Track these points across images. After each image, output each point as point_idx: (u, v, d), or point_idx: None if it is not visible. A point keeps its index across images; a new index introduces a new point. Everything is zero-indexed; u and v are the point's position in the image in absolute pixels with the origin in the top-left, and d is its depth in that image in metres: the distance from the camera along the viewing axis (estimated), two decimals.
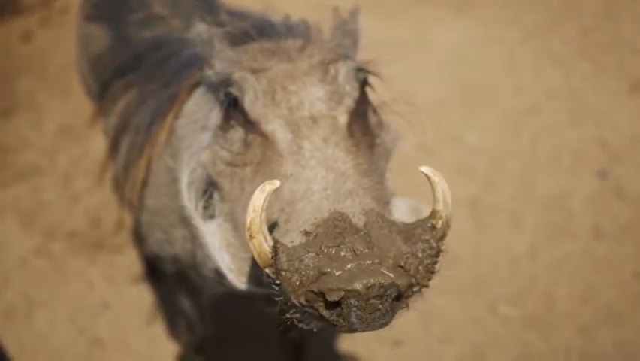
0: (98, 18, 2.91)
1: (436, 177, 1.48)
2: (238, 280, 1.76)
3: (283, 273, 1.38)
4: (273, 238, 1.44)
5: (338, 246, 1.36)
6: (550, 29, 4.67)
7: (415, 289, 1.40)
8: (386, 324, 1.39)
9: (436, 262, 1.42)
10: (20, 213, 3.66)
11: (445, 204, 1.47)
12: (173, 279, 2.48)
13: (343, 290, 1.32)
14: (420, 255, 1.39)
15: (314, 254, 1.36)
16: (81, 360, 3.16)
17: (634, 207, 3.67)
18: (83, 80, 3.03)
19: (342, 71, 1.73)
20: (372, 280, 1.32)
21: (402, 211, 1.84)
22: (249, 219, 1.44)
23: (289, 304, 1.42)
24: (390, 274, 1.34)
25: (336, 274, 1.34)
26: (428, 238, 1.42)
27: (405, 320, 3.26)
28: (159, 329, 3.23)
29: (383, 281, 1.33)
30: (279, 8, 2.67)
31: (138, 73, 2.47)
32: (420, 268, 1.39)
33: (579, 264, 3.46)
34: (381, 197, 1.59)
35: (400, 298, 1.38)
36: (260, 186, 1.46)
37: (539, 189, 3.76)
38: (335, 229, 1.40)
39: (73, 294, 3.37)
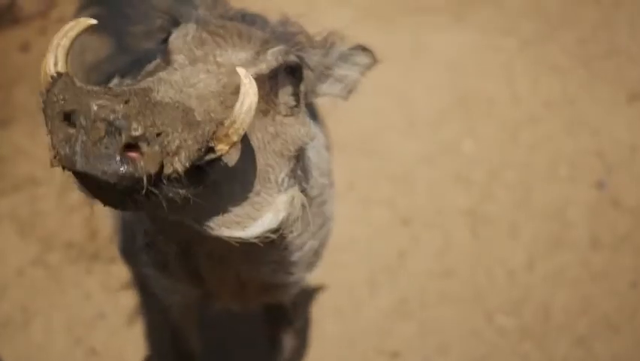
0: (96, 29, 2.91)
1: (246, 80, 1.41)
2: None
3: (50, 95, 1.33)
4: (69, 72, 1.39)
5: (117, 95, 1.30)
6: (548, 38, 4.67)
7: (155, 156, 1.29)
8: (108, 174, 1.26)
9: (196, 151, 1.32)
10: (17, 223, 3.65)
11: (242, 105, 1.38)
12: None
13: (77, 103, 1.28)
14: (183, 135, 1.31)
15: (90, 88, 1.31)
16: None
17: (632, 217, 3.66)
18: None
19: (276, 48, 1.70)
20: (106, 103, 1.26)
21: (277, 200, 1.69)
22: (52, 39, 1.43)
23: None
24: (130, 115, 1.27)
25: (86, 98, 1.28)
26: (205, 127, 1.34)
27: (402, 331, 3.28)
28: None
29: (117, 107, 1.26)
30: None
31: (133, 77, 2.47)
32: (172, 144, 1.29)
33: (576, 275, 3.46)
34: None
35: (132, 149, 1.27)
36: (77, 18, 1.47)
37: (537, 199, 3.76)
38: (129, 90, 1.33)
39: (70, 304, 3.36)
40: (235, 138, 1.36)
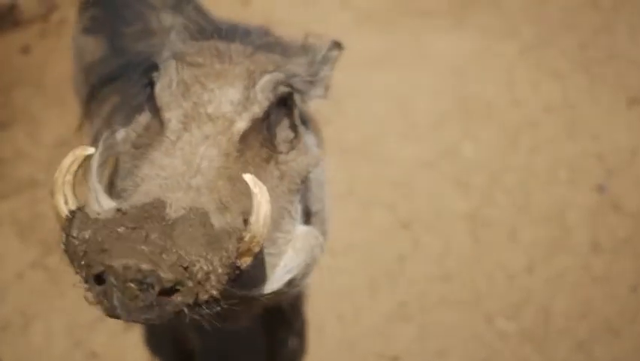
0: (94, 31, 2.92)
1: (257, 189, 1.42)
2: None
3: (69, 239, 1.35)
4: (79, 205, 1.42)
5: (133, 228, 1.32)
6: (548, 43, 4.67)
7: (190, 291, 1.33)
8: (153, 320, 1.33)
9: (225, 274, 1.35)
10: (17, 225, 3.65)
11: (257, 219, 1.40)
12: None
13: (103, 265, 1.30)
14: (209, 259, 1.34)
15: (107, 230, 1.33)
16: None
17: (632, 221, 3.66)
18: (78, 93, 3.03)
19: (263, 80, 1.69)
20: (130, 262, 1.28)
21: (296, 239, 1.73)
22: (54, 177, 1.45)
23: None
24: (157, 265, 1.29)
25: (109, 250, 1.30)
26: (228, 246, 1.36)
27: (402, 335, 3.28)
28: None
29: (143, 266, 1.28)
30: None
31: (126, 78, 2.47)
32: (201, 273, 1.32)
33: (576, 278, 3.45)
34: (241, 208, 1.48)
35: (169, 294, 1.32)
36: (73, 150, 1.47)
37: (537, 203, 3.76)
38: (144, 213, 1.35)
39: (70, 307, 3.35)
40: (257, 250, 1.40)
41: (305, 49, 1.93)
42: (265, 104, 1.67)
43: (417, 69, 4.50)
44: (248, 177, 1.43)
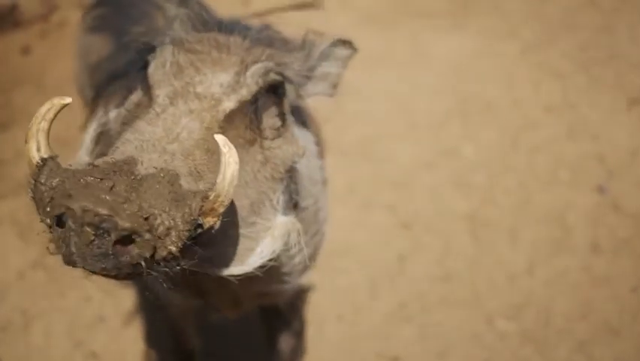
0: (100, 29, 2.93)
1: (226, 148, 1.42)
2: None
3: (37, 185, 1.35)
4: (52, 155, 1.41)
5: (101, 179, 1.33)
6: (548, 43, 4.68)
7: (147, 243, 1.32)
8: (109, 271, 1.33)
9: (186, 231, 1.35)
10: (17, 225, 3.65)
11: (224, 178, 1.40)
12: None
13: (63, 206, 1.29)
14: (171, 215, 1.34)
15: (76, 179, 1.33)
16: None
17: (632, 222, 3.66)
18: (81, 92, 3.04)
19: (255, 67, 1.71)
20: (90, 205, 1.27)
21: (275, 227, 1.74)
22: (30, 124, 1.45)
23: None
24: (115, 212, 1.28)
25: (73, 195, 1.30)
26: (192, 204, 1.36)
27: (402, 335, 3.28)
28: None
29: (101, 210, 1.27)
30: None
31: (132, 75, 2.48)
32: (162, 228, 1.32)
33: (577, 279, 3.45)
34: (215, 179, 1.46)
35: (126, 244, 1.31)
36: (51, 99, 1.48)
37: (537, 203, 3.76)
38: (114, 167, 1.36)
39: (70, 307, 3.36)
40: (221, 210, 1.39)
41: (303, 44, 1.93)
42: (254, 88, 1.69)
43: (417, 69, 4.50)
44: (218, 137, 1.44)
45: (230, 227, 1.56)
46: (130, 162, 1.38)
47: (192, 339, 2.79)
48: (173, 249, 1.34)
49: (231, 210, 1.52)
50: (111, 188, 1.31)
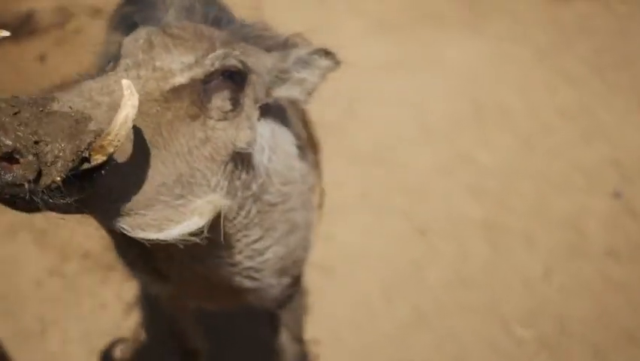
0: (125, 27, 2.96)
1: (127, 92, 1.43)
2: None
3: None
4: None
5: (12, 107, 1.36)
6: (563, 48, 4.66)
7: (31, 165, 1.34)
8: None
9: (71, 162, 1.37)
10: (34, 233, 3.67)
11: (117, 118, 1.41)
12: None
13: None
14: (63, 147, 1.36)
15: None
16: None
17: None
18: None
19: (217, 52, 1.74)
20: None
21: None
22: None
23: None
24: (5, 130, 1.32)
25: None
26: (84, 138, 1.38)
27: (418, 342, 3.27)
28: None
29: None
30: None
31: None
32: (50, 155, 1.35)
33: (593, 285, 3.43)
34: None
35: (11, 163, 1.34)
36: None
37: (553, 209, 3.74)
38: (30, 100, 1.39)
39: (86, 315, 3.37)
40: (111, 150, 1.41)
41: (284, 46, 1.94)
42: (209, 68, 1.71)
43: (431, 75, 4.49)
44: (124, 82, 1.45)
45: (137, 182, 1.58)
46: (47, 99, 1.42)
47: (195, 340, 2.79)
48: (57, 178, 1.36)
49: (140, 164, 1.55)
50: (15, 113, 1.35)
